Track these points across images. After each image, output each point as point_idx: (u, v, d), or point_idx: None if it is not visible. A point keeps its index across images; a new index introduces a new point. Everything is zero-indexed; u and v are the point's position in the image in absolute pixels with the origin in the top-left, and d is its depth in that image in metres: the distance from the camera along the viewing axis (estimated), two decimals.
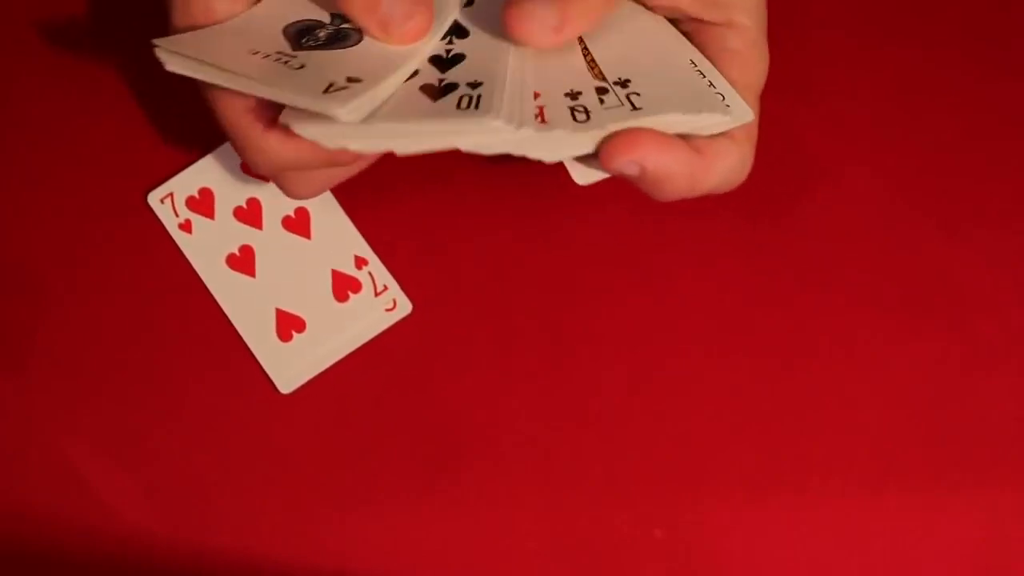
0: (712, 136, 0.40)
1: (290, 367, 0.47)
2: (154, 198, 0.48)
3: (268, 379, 0.47)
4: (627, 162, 0.38)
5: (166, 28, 0.41)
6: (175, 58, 0.38)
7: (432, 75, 0.40)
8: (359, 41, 0.40)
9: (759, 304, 0.49)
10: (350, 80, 0.38)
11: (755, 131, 0.42)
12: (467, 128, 0.37)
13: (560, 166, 0.41)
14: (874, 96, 0.51)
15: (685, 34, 0.44)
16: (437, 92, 0.39)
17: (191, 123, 0.48)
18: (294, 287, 0.48)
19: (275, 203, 0.48)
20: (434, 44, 0.41)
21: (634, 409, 0.48)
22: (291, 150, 0.39)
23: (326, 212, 0.48)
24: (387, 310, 0.48)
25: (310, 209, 0.48)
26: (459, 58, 0.41)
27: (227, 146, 0.48)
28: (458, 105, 0.38)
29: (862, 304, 0.49)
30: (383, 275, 0.48)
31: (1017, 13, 0.52)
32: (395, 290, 0.48)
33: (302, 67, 0.39)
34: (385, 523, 0.46)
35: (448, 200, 0.49)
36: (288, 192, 0.42)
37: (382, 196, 0.49)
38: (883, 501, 0.47)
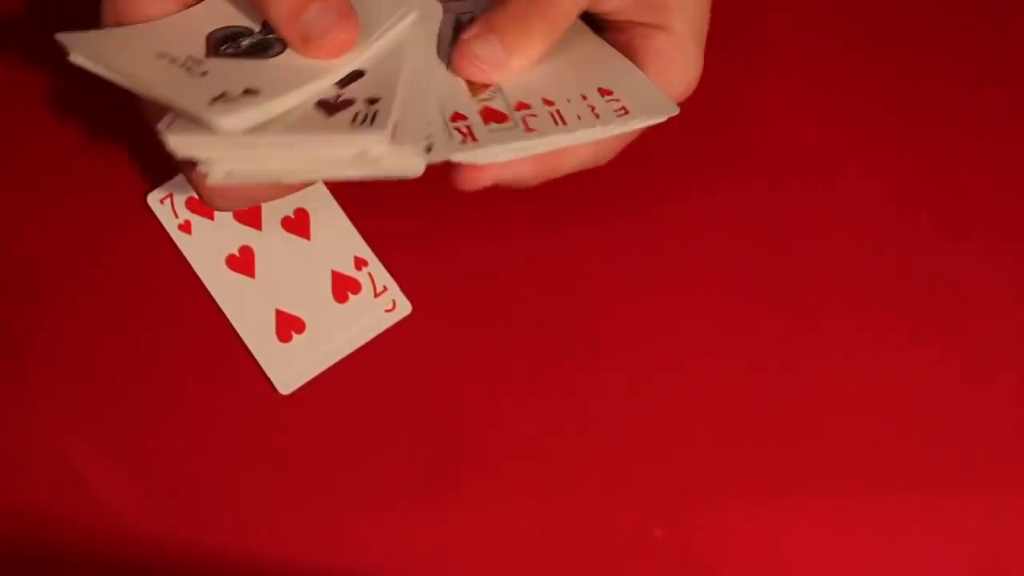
0: None
1: (290, 368, 0.47)
2: (154, 199, 0.48)
3: (268, 380, 0.47)
4: (480, 184, 0.40)
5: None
6: (77, 54, 0.38)
7: (331, 90, 0.39)
8: (280, 53, 0.40)
9: (758, 305, 0.49)
10: (247, 92, 0.37)
11: None
12: (355, 143, 0.37)
13: None
14: (874, 98, 0.51)
15: (616, 31, 0.44)
16: (333, 107, 0.38)
17: None
18: (294, 288, 0.48)
19: (275, 204, 0.48)
20: (355, 63, 0.40)
21: (634, 410, 0.48)
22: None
23: (326, 213, 0.48)
24: (387, 311, 0.48)
25: (309, 210, 0.48)
26: (359, 73, 0.40)
27: None
28: (352, 120, 0.37)
29: (862, 306, 0.49)
30: (383, 276, 0.48)
31: (1014, 16, 0.52)
32: (394, 291, 0.48)
33: (204, 74, 0.38)
34: (385, 523, 0.46)
35: (448, 201, 0.49)
36: (203, 199, 0.42)
37: (382, 197, 0.49)
38: (882, 502, 0.47)
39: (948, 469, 0.47)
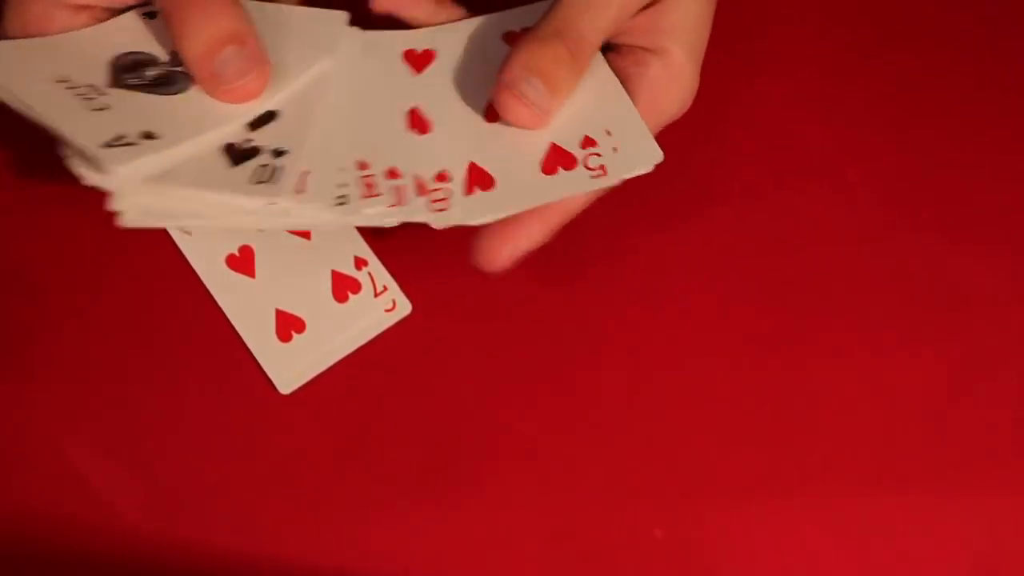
0: None
1: (290, 368, 0.47)
2: None
3: (268, 380, 0.47)
4: (507, 261, 0.42)
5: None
6: None
7: (241, 132, 0.39)
8: (186, 89, 0.39)
9: (759, 306, 0.49)
10: (145, 135, 0.37)
11: None
12: (253, 203, 0.37)
13: None
14: (873, 99, 0.51)
15: (616, 52, 0.44)
16: (238, 155, 0.38)
17: None
18: (294, 288, 0.48)
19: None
20: (267, 105, 0.40)
21: (634, 410, 0.48)
22: None
23: None
24: (387, 311, 0.48)
25: None
26: (272, 116, 0.40)
27: None
28: (252, 176, 0.37)
29: (862, 306, 0.49)
30: (383, 276, 0.48)
31: (1013, 19, 0.52)
32: (395, 291, 0.48)
33: (103, 109, 0.38)
34: (385, 523, 0.46)
35: None
36: None
37: None
38: (882, 502, 0.47)
39: (948, 469, 0.47)
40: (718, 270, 0.49)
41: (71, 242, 0.48)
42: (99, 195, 0.48)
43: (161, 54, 0.40)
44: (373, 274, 0.48)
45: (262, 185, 0.37)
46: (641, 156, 0.42)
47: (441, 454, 0.47)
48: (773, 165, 0.50)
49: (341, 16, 0.43)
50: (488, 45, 0.44)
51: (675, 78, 0.44)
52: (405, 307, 0.48)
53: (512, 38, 0.44)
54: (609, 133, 0.42)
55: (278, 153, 0.38)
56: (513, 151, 0.42)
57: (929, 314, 0.49)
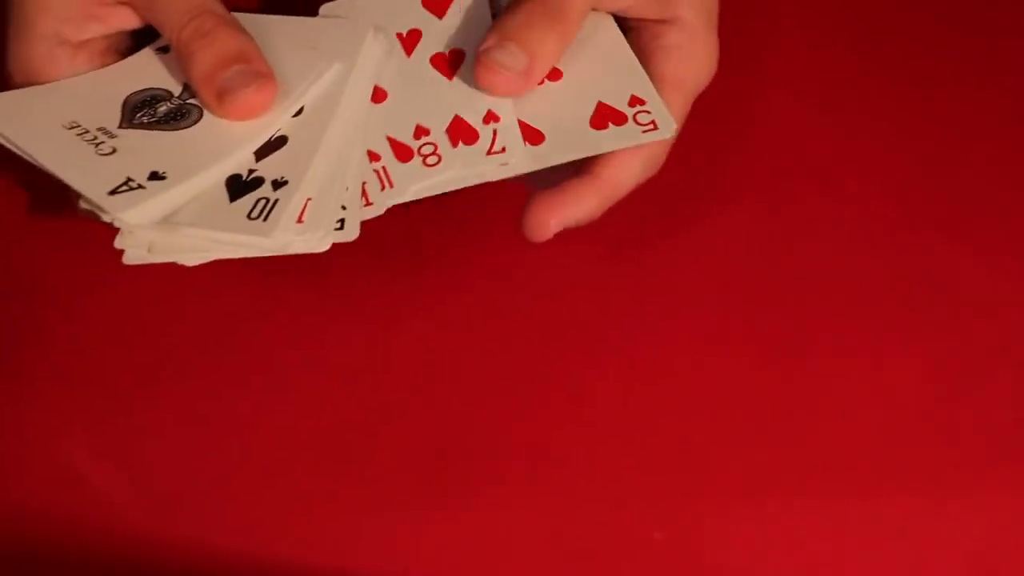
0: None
1: None
2: None
3: (265, 378, 0.47)
4: (553, 231, 0.41)
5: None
6: None
7: (247, 161, 0.39)
8: (197, 121, 0.39)
9: (758, 305, 0.49)
10: (152, 176, 0.38)
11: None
12: (251, 244, 0.38)
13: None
14: (873, 98, 0.51)
15: (629, 31, 0.44)
16: (238, 187, 0.38)
17: None
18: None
19: (431, 40, 0.44)
20: (273, 128, 0.40)
21: (633, 411, 0.48)
22: None
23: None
24: (501, 165, 0.42)
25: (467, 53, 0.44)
26: (282, 141, 0.40)
27: None
28: (249, 214, 0.38)
29: (862, 307, 0.49)
30: (508, 136, 0.43)
31: (1012, 21, 0.52)
32: (514, 150, 0.42)
33: (112, 152, 0.38)
34: (384, 524, 0.46)
35: (446, 204, 0.49)
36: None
37: None
38: (882, 502, 0.47)
39: (948, 469, 0.47)
40: (717, 271, 0.49)
41: (71, 241, 0.48)
42: None
43: (175, 88, 0.41)
44: (498, 132, 0.42)
45: (255, 222, 0.37)
46: (663, 124, 0.42)
47: (441, 455, 0.47)
48: (773, 168, 0.50)
49: (363, 25, 0.43)
50: None
51: (695, 43, 0.43)
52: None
53: None
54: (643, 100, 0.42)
55: (277, 184, 0.39)
56: (558, 110, 0.42)
57: (929, 314, 0.49)
